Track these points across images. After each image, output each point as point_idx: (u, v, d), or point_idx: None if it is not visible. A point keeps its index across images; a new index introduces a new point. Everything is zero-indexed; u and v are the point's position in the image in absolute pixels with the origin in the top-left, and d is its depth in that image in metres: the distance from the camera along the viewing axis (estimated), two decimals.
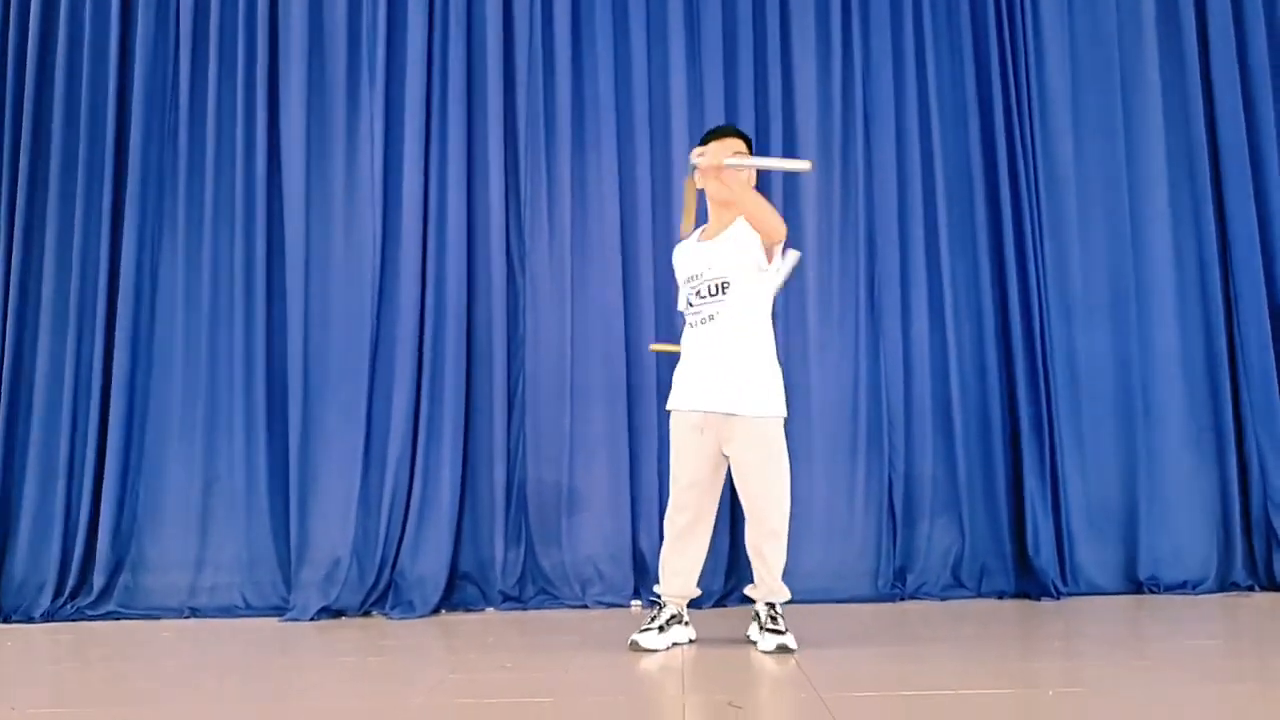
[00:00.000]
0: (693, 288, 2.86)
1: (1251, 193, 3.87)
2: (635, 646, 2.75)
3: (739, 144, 2.81)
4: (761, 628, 2.78)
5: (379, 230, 3.98)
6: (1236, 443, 3.81)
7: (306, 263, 4.00)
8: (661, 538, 3.77)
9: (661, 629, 2.82)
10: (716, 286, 2.78)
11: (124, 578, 3.86)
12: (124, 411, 3.92)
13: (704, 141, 2.85)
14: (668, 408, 2.92)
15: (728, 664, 2.63)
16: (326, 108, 4.10)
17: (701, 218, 2.95)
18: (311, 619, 3.65)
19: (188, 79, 4.13)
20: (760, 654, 2.71)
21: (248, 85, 4.11)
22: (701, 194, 2.89)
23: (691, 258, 2.90)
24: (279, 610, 3.77)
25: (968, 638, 2.96)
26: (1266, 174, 3.88)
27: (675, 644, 2.83)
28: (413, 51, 4.03)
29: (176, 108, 4.12)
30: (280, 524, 3.91)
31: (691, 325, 2.87)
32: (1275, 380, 3.79)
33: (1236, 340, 3.84)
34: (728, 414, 2.75)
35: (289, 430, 3.91)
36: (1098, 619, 3.29)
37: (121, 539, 3.89)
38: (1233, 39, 3.95)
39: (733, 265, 2.76)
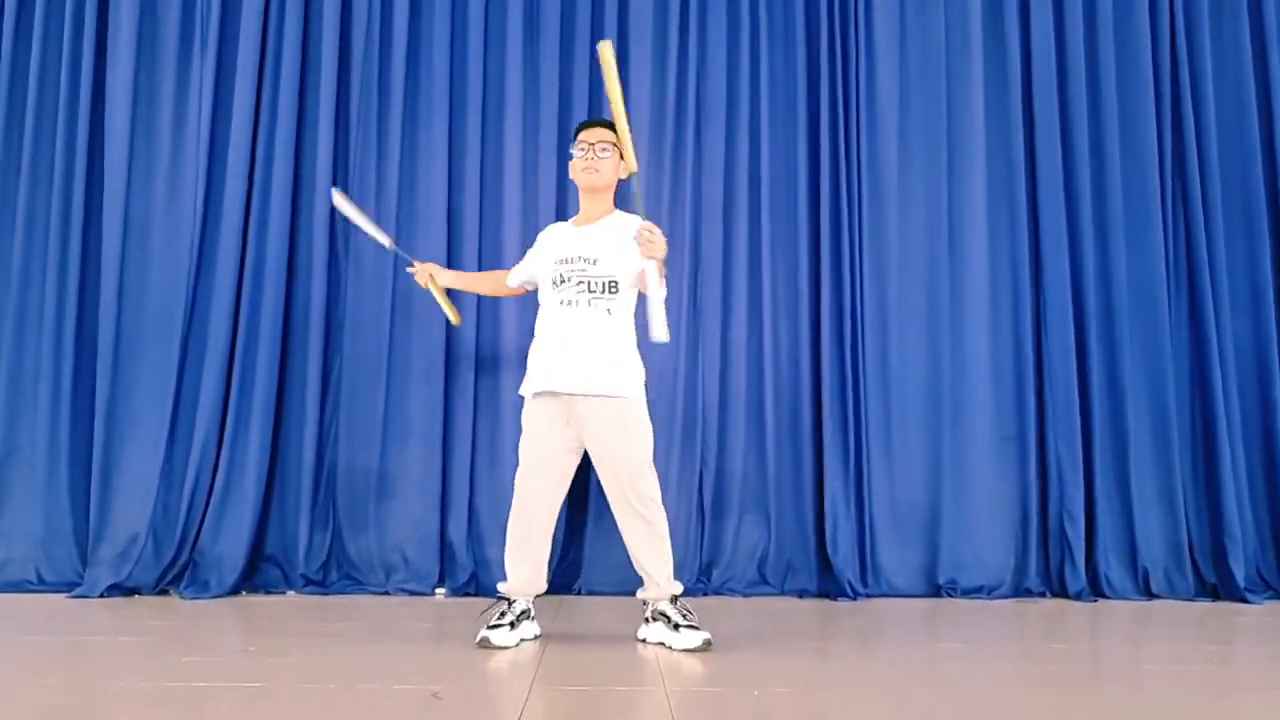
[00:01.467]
0: (569, 272, 2.82)
1: (1064, 211, 3.96)
2: (486, 644, 2.70)
3: (610, 134, 2.87)
4: (675, 625, 2.74)
5: (201, 203, 3.87)
6: (1039, 454, 3.90)
7: (124, 232, 3.88)
8: (474, 525, 3.82)
9: (513, 624, 2.79)
10: (591, 286, 2.80)
11: None
12: None
13: (580, 129, 2.93)
14: (533, 390, 2.84)
15: (448, 656, 2.60)
16: (156, 68, 3.98)
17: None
18: (102, 596, 3.55)
19: (11, 24, 3.98)
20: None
21: (74, 39, 3.97)
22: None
23: (570, 240, 2.90)
24: (75, 587, 3.66)
25: (733, 634, 2.98)
26: (1078, 193, 3.97)
27: (523, 640, 2.79)
28: (247, 20, 3.92)
29: None
30: (81, 499, 3.79)
31: (567, 304, 2.81)
32: (1076, 397, 3.87)
33: (1044, 354, 3.93)
34: (601, 395, 2.74)
35: (95, 400, 3.79)
36: (882, 621, 3.34)
37: None
38: (1054, 61, 4.03)
39: (620, 268, 2.81)
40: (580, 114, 3.94)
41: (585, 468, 2.95)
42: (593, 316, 2.79)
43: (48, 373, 3.85)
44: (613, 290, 2.80)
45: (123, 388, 3.81)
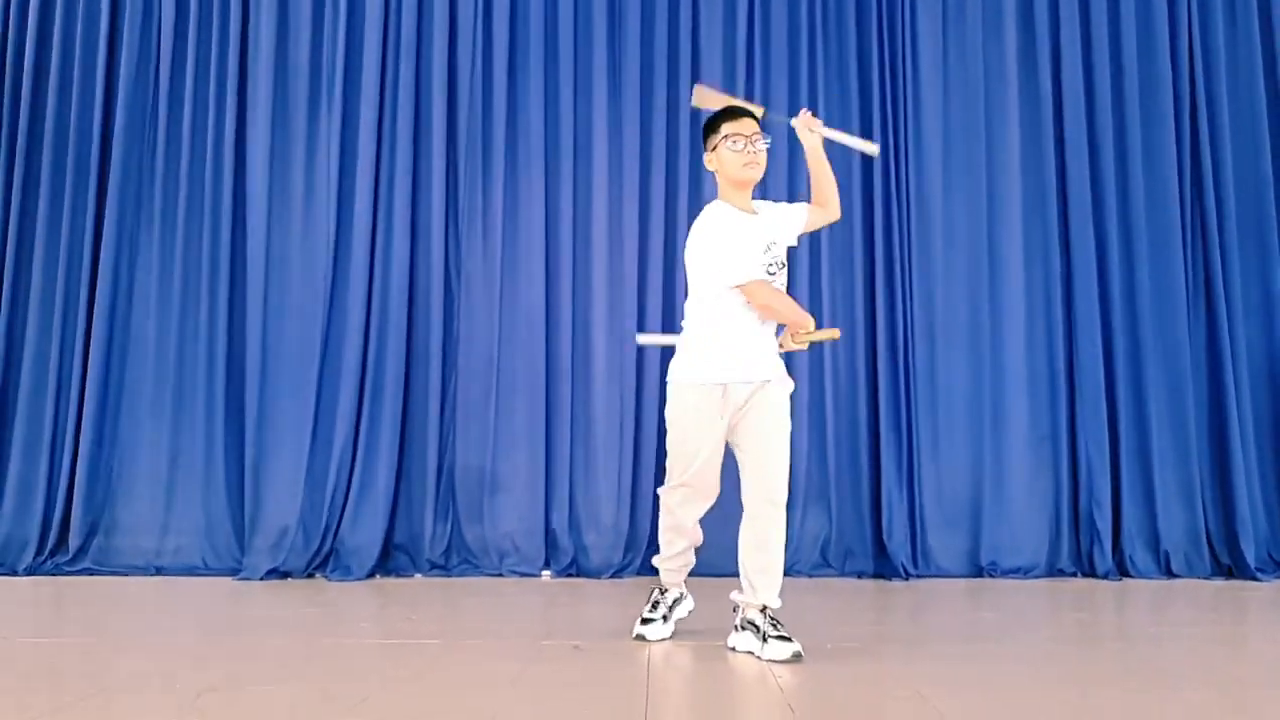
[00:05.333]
0: (770, 258, 2.74)
1: (1092, 235, 4.47)
2: (641, 639, 2.79)
3: (757, 125, 2.79)
4: (764, 636, 2.63)
5: (332, 237, 4.49)
6: (1070, 450, 4.40)
7: (266, 264, 4.50)
8: (573, 515, 4.40)
9: (665, 617, 2.88)
10: (782, 264, 2.80)
11: (98, 539, 4.37)
12: (100, 393, 4.43)
13: (725, 118, 2.77)
14: (697, 380, 2.71)
15: (570, 621, 3.17)
16: (289, 126, 4.60)
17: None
18: (261, 579, 4.18)
19: (166, 96, 4.63)
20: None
21: (218, 104, 4.61)
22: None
23: (759, 228, 2.76)
24: (234, 571, 4.28)
25: (804, 607, 3.52)
26: (1105, 215, 4.47)
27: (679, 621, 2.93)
28: (367, 80, 4.53)
29: (156, 122, 4.62)
30: (236, 496, 4.43)
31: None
32: (1104, 398, 4.38)
33: (1074, 362, 4.43)
34: (765, 380, 2.70)
35: (245, 413, 4.43)
36: (933, 596, 3.87)
37: (96, 505, 4.39)
38: (1082, 97, 4.53)
39: (787, 245, 2.87)
40: (660, 159, 4.50)
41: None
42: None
43: (203, 390, 4.49)
44: (784, 267, 2.81)
45: (269, 403, 4.44)
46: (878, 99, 4.51)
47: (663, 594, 2.93)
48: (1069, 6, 4.59)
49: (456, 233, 4.57)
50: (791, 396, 4.33)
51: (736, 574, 2.71)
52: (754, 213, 2.81)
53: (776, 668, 2.45)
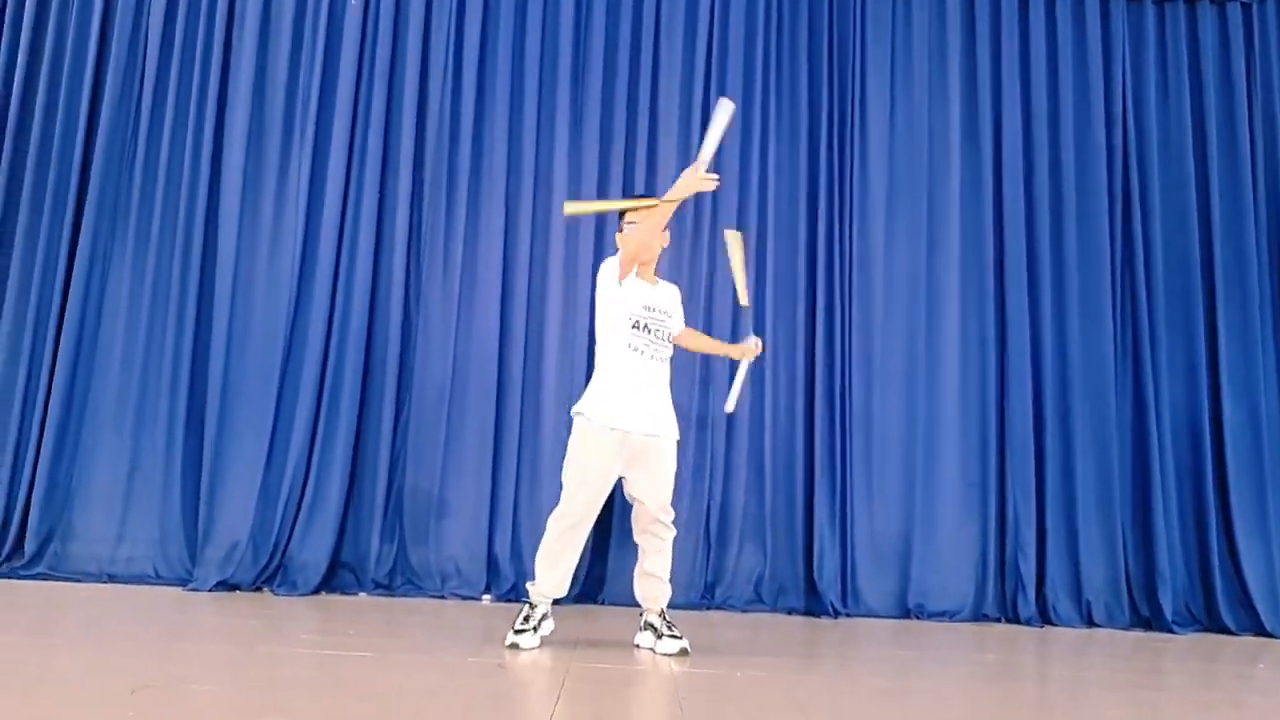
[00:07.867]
0: (651, 321, 3.25)
1: (1026, 289, 4.68)
2: (515, 648, 3.09)
3: None
4: (659, 634, 3.24)
5: (298, 259, 4.65)
6: (998, 499, 4.58)
7: (234, 283, 4.64)
8: (516, 542, 4.54)
9: (535, 629, 3.20)
10: (669, 336, 3.33)
11: (54, 546, 4.46)
12: (64, 404, 4.55)
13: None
14: (602, 423, 3.17)
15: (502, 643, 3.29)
16: (264, 148, 4.76)
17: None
18: (210, 590, 4.29)
19: (149, 116, 4.78)
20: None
21: (197, 124, 4.76)
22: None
23: (648, 293, 3.29)
24: (184, 581, 4.38)
25: (732, 639, 3.68)
26: (1039, 278, 4.69)
27: (543, 638, 3.23)
28: (341, 105, 4.72)
29: (136, 141, 4.77)
30: (190, 509, 4.53)
31: (638, 351, 3.22)
32: (1033, 449, 4.56)
33: (1005, 413, 4.62)
34: (653, 435, 3.21)
35: (205, 428, 4.55)
36: (858, 634, 4.03)
37: (54, 513, 4.48)
38: (1021, 165, 4.78)
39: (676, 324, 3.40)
40: (616, 194, 4.70)
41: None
42: (661, 367, 3.27)
43: (165, 404, 4.61)
44: (669, 342, 3.33)
45: (228, 418, 4.56)
46: (825, 151, 4.74)
47: (533, 609, 3.25)
48: (1010, 76, 4.83)
49: (418, 259, 4.74)
50: (733, 435, 4.58)
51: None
52: (654, 283, 3.36)
53: (684, 689, 2.59)
